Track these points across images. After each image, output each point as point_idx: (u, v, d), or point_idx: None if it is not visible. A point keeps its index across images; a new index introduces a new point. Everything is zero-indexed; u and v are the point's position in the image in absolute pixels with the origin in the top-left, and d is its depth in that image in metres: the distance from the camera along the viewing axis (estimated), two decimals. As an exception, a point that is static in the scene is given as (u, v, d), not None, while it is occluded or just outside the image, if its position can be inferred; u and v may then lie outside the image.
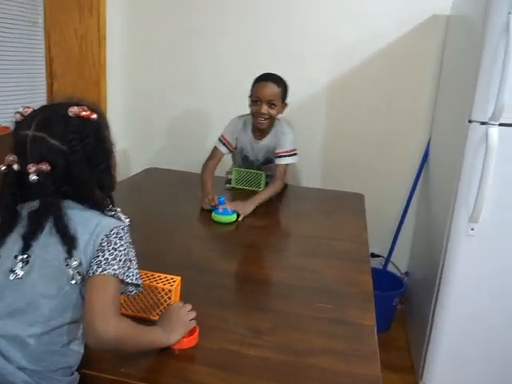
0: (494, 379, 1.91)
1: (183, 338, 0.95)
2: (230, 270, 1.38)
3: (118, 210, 0.94)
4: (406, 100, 2.43)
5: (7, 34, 2.19)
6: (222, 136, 2.12)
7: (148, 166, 2.48)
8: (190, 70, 2.63)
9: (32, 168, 0.82)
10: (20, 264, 0.82)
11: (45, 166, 0.83)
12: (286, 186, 2.21)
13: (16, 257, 0.82)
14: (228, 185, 2.16)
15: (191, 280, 1.17)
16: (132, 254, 0.90)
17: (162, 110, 2.72)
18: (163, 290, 1.02)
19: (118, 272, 0.84)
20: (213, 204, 1.79)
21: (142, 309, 1.04)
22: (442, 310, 1.88)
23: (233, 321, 1.07)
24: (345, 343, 1.01)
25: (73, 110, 0.87)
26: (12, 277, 0.81)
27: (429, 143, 2.41)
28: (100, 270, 0.83)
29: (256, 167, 2.18)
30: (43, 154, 0.84)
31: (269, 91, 1.95)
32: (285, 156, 2.05)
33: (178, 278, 1.05)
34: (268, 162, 2.17)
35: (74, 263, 0.82)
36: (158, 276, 1.06)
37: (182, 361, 0.92)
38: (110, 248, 0.85)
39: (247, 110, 2.04)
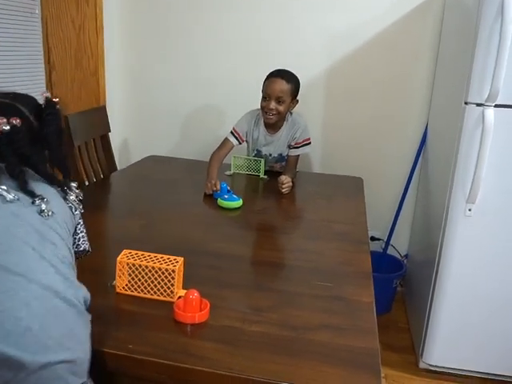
0: (493, 358, 1.95)
1: (195, 313, 0.98)
2: (232, 252, 1.41)
3: (74, 184, 0.99)
4: (403, 84, 2.44)
5: (5, 25, 2.20)
6: (234, 129, 2.16)
7: (148, 155, 2.50)
8: (188, 58, 2.64)
9: (3, 119, 0.82)
10: None
11: (15, 121, 0.84)
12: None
13: None
14: (228, 171, 2.18)
15: (194, 262, 1.19)
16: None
17: (160, 98, 2.74)
18: (167, 270, 1.05)
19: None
20: (214, 189, 1.81)
21: (146, 289, 1.07)
22: (440, 291, 1.91)
23: (235, 300, 1.10)
24: (343, 319, 1.04)
25: (46, 95, 0.96)
26: None
27: (426, 126, 2.43)
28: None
29: (269, 163, 2.22)
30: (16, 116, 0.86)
31: (278, 87, 1.99)
32: (299, 147, 2.13)
33: (180, 259, 1.08)
34: (281, 159, 2.21)
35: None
36: (162, 257, 1.09)
37: (187, 337, 0.95)
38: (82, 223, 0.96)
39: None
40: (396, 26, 2.37)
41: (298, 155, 2.16)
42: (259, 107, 2.08)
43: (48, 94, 0.97)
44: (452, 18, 2.14)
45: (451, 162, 1.82)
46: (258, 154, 2.21)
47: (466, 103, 1.73)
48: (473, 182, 1.75)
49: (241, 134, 2.15)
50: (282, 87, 2.00)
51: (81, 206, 0.97)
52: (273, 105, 2.00)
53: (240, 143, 2.17)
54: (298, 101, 2.10)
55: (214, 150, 2.13)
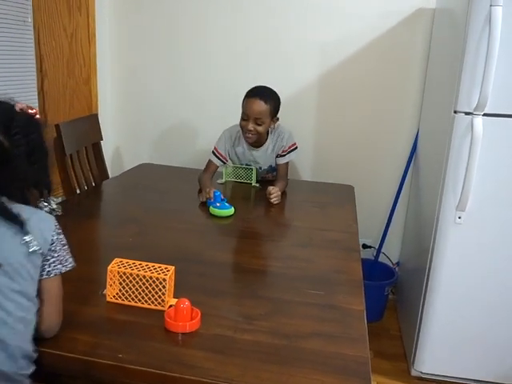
0: (485, 365, 1.96)
1: (186, 322, 0.98)
2: (223, 260, 1.41)
3: (54, 200, 1.00)
4: (393, 93, 2.46)
5: (-3, 32, 2.20)
6: (215, 148, 2.14)
7: (140, 163, 2.50)
8: (180, 67, 2.65)
9: None
10: None
11: None
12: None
13: None
14: (220, 179, 2.19)
15: (185, 270, 1.19)
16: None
17: (153, 106, 2.74)
18: (158, 279, 1.05)
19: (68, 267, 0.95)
20: (208, 197, 1.82)
21: (137, 298, 1.07)
22: (431, 298, 1.92)
23: (226, 308, 1.10)
24: (335, 327, 1.04)
25: (20, 106, 0.90)
26: None
27: (417, 135, 2.45)
28: (53, 271, 0.91)
29: (260, 174, 2.21)
30: None
31: (256, 109, 1.94)
32: (285, 154, 2.12)
33: (172, 268, 1.08)
34: (272, 169, 2.21)
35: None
36: (153, 266, 1.09)
37: (178, 346, 0.95)
38: (60, 245, 0.93)
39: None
40: (387, 36, 2.40)
41: (287, 162, 2.15)
42: (239, 123, 2.05)
43: (22, 106, 0.90)
44: (441, 27, 2.17)
45: (441, 169, 1.84)
46: (248, 166, 2.20)
47: (455, 112, 1.75)
48: (462, 189, 1.76)
49: (223, 154, 2.13)
50: (261, 109, 1.94)
51: (59, 231, 0.94)
52: (251, 126, 1.96)
53: (224, 163, 2.15)
54: (278, 118, 2.06)
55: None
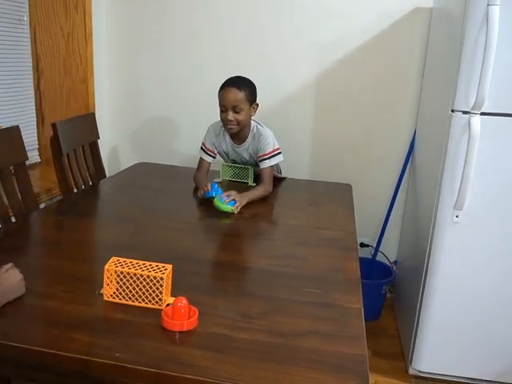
0: (482, 363, 1.96)
1: (183, 320, 0.97)
2: (220, 259, 1.41)
3: None
4: (391, 92, 2.46)
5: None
6: (203, 143, 2.14)
7: (137, 162, 2.49)
8: (176, 66, 2.64)
9: None
10: None
11: None
12: (283, 179, 2.27)
13: None
14: (217, 179, 2.18)
15: (182, 269, 1.19)
16: None
17: (150, 105, 2.74)
18: (155, 278, 1.05)
19: None
20: (206, 189, 1.82)
21: (134, 297, 1.06)
22: (429, 297, 1.93)
23: (223, 307, 1.10)
24: (332, 325, 1.04)
25: None
26: None
27: (414, 134, 2.45)
28: None
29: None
30: None
31: (231, 97, 1.94)
32: (266, 159, 2.05)
33: (169, 267, 1.08)
34: (258, 164, 2.18)
35: None
36: (150, 265, 1.08)
37: (175, 345, 0.95)
38: None
39: None
40: (383, 35, 2.40)
41: (271, 166, 2.07)
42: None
43: None
44: (438, 26, 2.17)
45: (439, 168, 1.84)
46: (234, 163, 2.19)
47: (452, 111, 1.76)
48: (460, 188, 1.77)
49: (210, 149, 2.13)
50: (236, 96, 1.94)
51: None
52: (231, 115, 1.95)
53: (214, 157, 2.15)
54: (258, 104, 2.04)
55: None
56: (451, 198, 1.81)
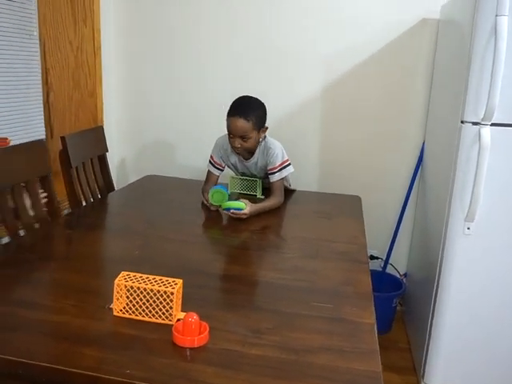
0: (496, 377, 1.93)
1: (194, 336, 0.96)
2: (230, 273, 1.40)
3: None
4: (399, 103, 2.46)
5: (3, 47, 2.22)
6: (211, 157, 2.13)
7: (146, 174, 2.49)
8: (184, 78, 2.66)
9: None
10: None
11: None
12: (293, 192, 2.25)
13: None
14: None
15: (192, 283, 1.18)
16: None
17: (158, 118, 2.75)
18: (165, 292, 1.04)
19: None
20: (207, 204, 1.90)
21: (144, 312, 1.05)
22: (441, 310, 1.90)
23: (234, 322, 1.08)
24: (344, 341, 1.02)
25: None
26: None
27: (423, 145, 2.44)
28: None
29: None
30: None
31: (239, 127, 1.89)
32: (276, 172, 2.03)
33: (179, 281, 1.07)
34: (267, 176, 2.17)
35: None
36: (160, 279, 1.07)
37: (185, 361, 0.94)
38: None
39: None
40: (390, 47, 2.40)
41: (281, 179, 2.05)
42: None
43: None
44: (446, 37, 2.17)
45: (449, 180, 1.82)
46: (244, 175, 2.18)
47: (462, 122, 1.75)
48: (471, 200, 1.75)
49: (218, 162, 2.11)
50: (243, 127, 1.89)
51: None
52: (238, 142, 1.93)
53: (222, 170, 2.14)
54: (266, 128, 2.01)
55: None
56: (462, 210, 1.79)
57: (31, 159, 1.81)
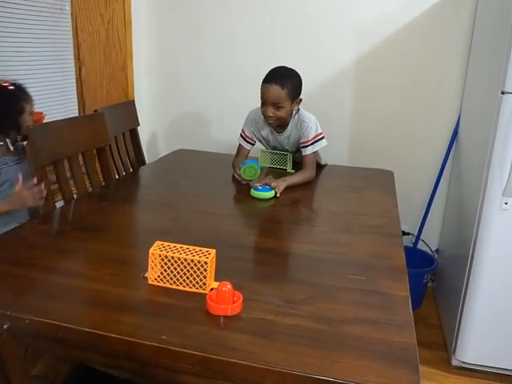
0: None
1: (228, 305, 0.97)
2: (262, 245, 1.40)
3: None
4: (434, 74, 2.38)
5: (36, 21, 2.24)
6: (243, 130, 2.11)
7: (176, 148, 2.51)
8: (217, 52, 2.63)
9: None
10: None
11: None
12: (324, 166, 2.22)
13: None
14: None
15: (225, 255, 1.19)
16: None
17: (188, 92, 2.74)
18: (199, 262, 1.05)
19: None
20: (240, 179, 1.87)
21: (179, 281, 1.07)
22: (474, 286, 1.87)
23: (267, 292, 1.09)
24: (379, 313, 1.01)
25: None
26: None
27: (459, 118, 2.36)
28: None
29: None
30: None
31: (273, 94, 1.86)
32: (309, 145, 2.00)
33: (213, 251, 1.07)
34: (299, 150, 2.14)
35: None
36: (194, 249, 1.08)
37: (220, 329, 0.95)
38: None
39: None
40: (427, 14, 2.31)
41: (313, 153, 2.02)
42: None
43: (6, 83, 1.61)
44: (487, 6, 2.07)
45: (486, 153, 1.77)
46: (275, 149, 2.16)
47: (502, 93, 1.68)
48: (510, 174, 1.69)
49: (249, 136, 2.10)
50: (277, 93, 1.85)
51: None
52: (270, 111, 1.89)
53: (253, 144, 2.12)
54: (301, 100, 1.97)
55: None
56: (500, 185, 1.73)
57: (93, 130, 1.97)
